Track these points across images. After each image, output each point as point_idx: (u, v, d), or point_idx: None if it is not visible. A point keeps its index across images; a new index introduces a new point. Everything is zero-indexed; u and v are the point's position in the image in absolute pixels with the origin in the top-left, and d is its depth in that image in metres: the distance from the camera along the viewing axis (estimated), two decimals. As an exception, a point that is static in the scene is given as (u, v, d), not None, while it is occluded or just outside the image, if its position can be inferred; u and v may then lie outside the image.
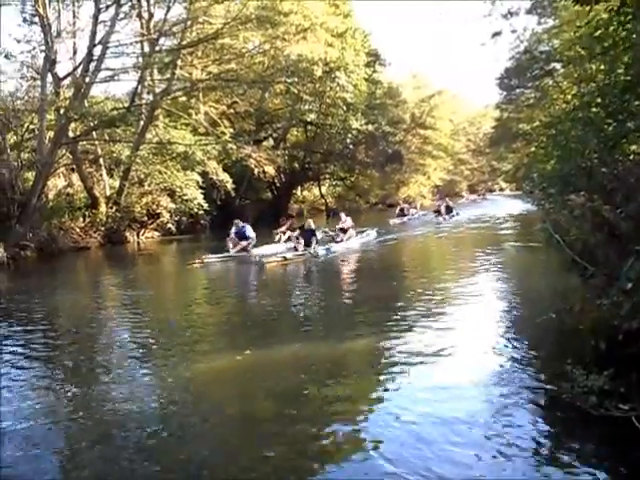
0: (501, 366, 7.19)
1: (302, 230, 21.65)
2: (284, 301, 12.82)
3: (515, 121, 45.57)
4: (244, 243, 21.90)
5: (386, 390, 6.62)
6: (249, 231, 22.39)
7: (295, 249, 20.92)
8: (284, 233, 24.32)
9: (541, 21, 37.13)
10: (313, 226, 21.69)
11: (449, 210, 39.32)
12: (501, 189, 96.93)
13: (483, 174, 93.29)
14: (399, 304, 11.33)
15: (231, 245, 21.79)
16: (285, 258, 19.22)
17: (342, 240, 23.60)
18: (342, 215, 25.82)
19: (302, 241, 21.00)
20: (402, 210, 39.94)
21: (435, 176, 73.32)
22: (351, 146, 47.21)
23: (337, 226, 25.08)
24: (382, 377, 7.11)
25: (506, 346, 7.94)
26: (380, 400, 6.36)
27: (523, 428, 5.39)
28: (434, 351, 7.81)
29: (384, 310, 10.70)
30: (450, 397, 6.29)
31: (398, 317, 9.93)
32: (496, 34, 34.15)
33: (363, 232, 26.31)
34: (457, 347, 7.97)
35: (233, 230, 22.45)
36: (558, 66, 35.28)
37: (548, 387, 6.32)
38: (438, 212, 38.61)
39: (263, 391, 6.89)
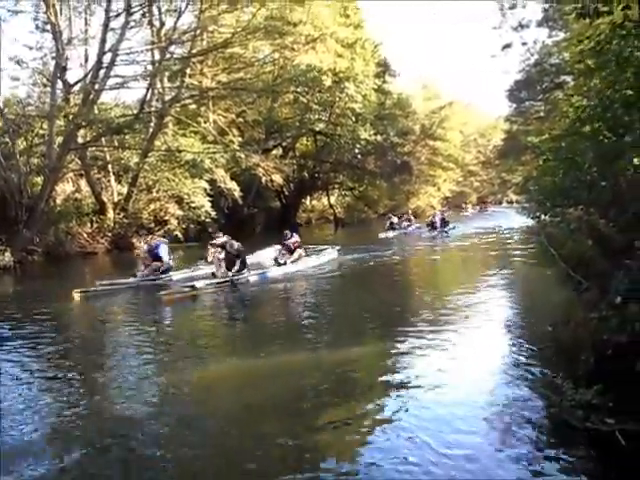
0: (494, 378, 7.18)
1: (225, 250, 17.13)
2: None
3: (524, 134, 45.49)
4: (155, 265, 17.63)
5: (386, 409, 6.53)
6: (163, 252, 17.98)
7: (213, 275, 16.72)
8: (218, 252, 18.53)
9: (552, 34, 37.07)
10: (236, 246, 16.98)
11: (444, 223, 36.34)
12: (510, 201, 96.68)
13: (493, 186, 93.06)
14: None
15: (143, 267, 17.68)
16: (193, 287, 15.02)
17: (285, 263, 19.11)
18: (287, 232, 20.90)
19: (223, 265, 16.80)
20: (391, 223, 37.41)
21: (445, 187, 73.44)
22: (360, 156, 47.04)
23: (285, 241, 20.25)
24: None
25: (500, 359, 7.91)
26: (381, 414, 6.29)
27: (510, 439, 5.40)
28: (428, 365, 7.78)
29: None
30: (444, 405, 6.30)
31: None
32: (506, 46, 34.24)
33: (320, 252, 21.92)
34: (451, 360, 7.95)
35: (145, 248, 19.23)
36: (569, 79, 35.20)
37: (538, 400, 6.31)
38: (432, 225, 35.73)
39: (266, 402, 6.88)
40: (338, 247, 23.04)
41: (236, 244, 17.15)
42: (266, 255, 20.93)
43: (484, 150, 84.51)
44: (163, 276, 17.54)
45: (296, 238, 20.32)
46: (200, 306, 14.17)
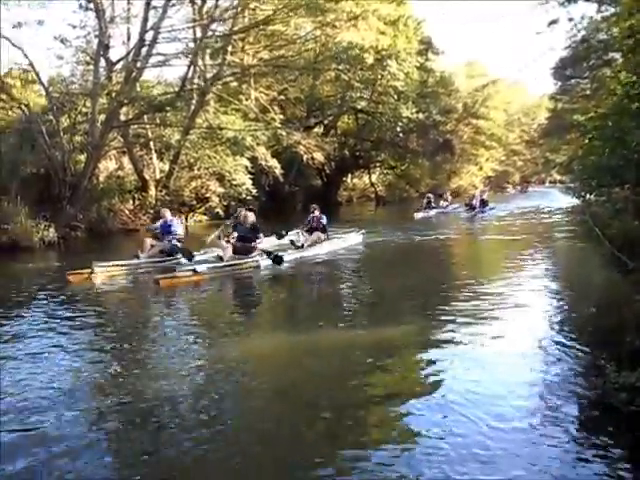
0: (536, 358, 7.08)
1: (237, 223, 16.00)
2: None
3: (569, 112, 44.67)
4: (163, 244, 16.25)
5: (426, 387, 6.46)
6: (177, 227, 16.67)
7: (219, 258, 15.37)
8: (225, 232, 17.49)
9: (601, 9, 36.07)
10: (251, 220, 15.68)
11: (483, 203, 35.72)
12: (554, 181, 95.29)
13: (537, 165, 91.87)
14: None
15: (148, 245, 16.02)
16: (194, 272, 13.68)
17: (302, 246, 17.86)
18: (314, 205, 19.82)
19: (229, 248, 15.24)
20: (429, 202, 36.23)
21: (487, 167, 72.64)
22: (401, 134, 46.71)
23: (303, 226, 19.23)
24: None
25: (543, 339, 7.76)
26: (420, 395, 6.18)
27: (551, 419, 5.32)
28: (470, 344, 7.69)
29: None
30: (486, 383, 6.28)
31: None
32: (553, 22, 33.47)
33: (344, 235, 20.70)
34: (493, 339, 7.86)
35: (159, 223, 16.97)
36: (617, 56, 34.32)
37: (581, 381, 6.20)
38: (470, 205, 35.07)
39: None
40: (363, 230, 21.36)
41: (251, 217, 15.75)
42: (288, 237, 19.25)
43: (528, 129, 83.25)
44: (170, 258, 16.15)
45: (322, 219, 18.87)
46: (213, 289, 13.37)
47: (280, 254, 15.67)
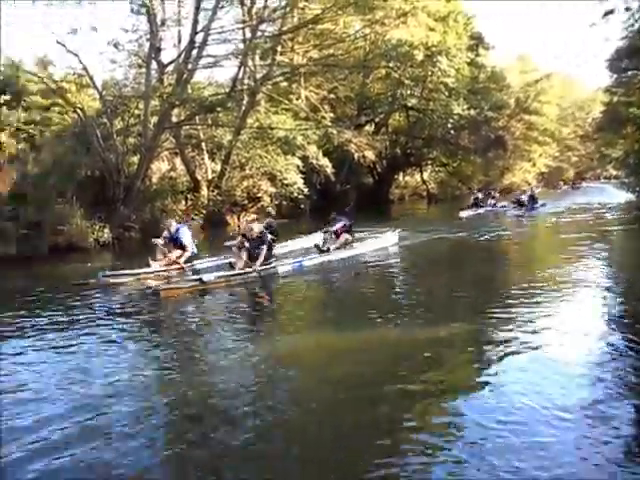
0: (593, 351, 7.01)
1: (245, 238, 14.69)
2: None
3: (626, 105, 43.77)
4: (175, 254, 15.43)
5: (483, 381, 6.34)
6: (185, 236, 15.68)
7: (231, 266, 14.30)
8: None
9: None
10: (257, 230, 14.56)
11: (533, 200, 34.28)
12: (609, 177, 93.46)
13: (592, 161, 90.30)
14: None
15: (159, 255, 15.42)
16: (200, 281, 12.64)
17: (329, 250, 16.53)
18: (334, 215, 18.77)
19: (244, 255, 14.22)
20: (476, 200, 34.94)
21: (540, 163, 71.68)
22: (453, 131, 46.30)
23: (329, 228, 17.99)
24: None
25: (603, 337, 7.59)
26: (476, 390, 6.09)
27: (609, 409, 5.29)
28: (527, 337, 7.60)
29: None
30: (543, 376, 6.22)
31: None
32: (608, 13, 32.76)
33: (377, 236, 19.14)
34: (550, 332, 7.78)
35: (164, 234, 15.80)
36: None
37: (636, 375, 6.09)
38: (518, 203, 33.54)
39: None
40: (399, 230, 19.69)
41: (257, 227, 14.64)
42: (311, 241, 18.35)
43: (582, 123, 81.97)
44: (185, 265, 15.32)
45: (343, 222, 17.72)
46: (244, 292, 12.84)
47: (289, 261, 15.00)
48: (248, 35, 30.69)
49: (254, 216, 30.77)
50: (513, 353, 7.05)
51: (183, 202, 30.37)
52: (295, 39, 34.48)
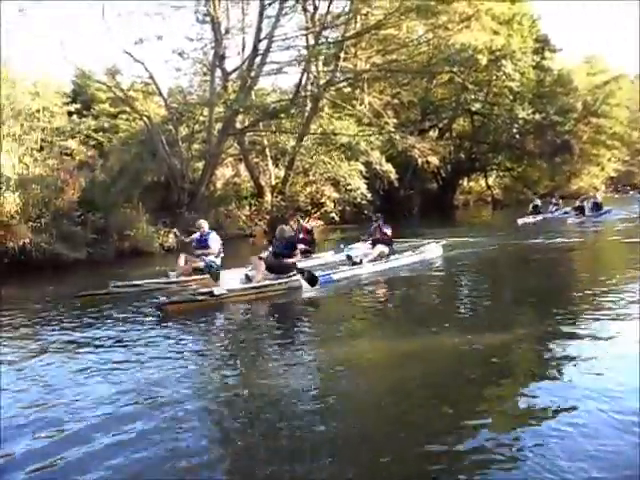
0: None
1: (270, 242, 13.83)
2: None
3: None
4: (202, 262, 14.05)
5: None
6: (214, 242, 14.53)
7: (247, 278, 13.02)
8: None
9: None
10: (288, 233, 13.66)
11: (597, 207, 31.91)
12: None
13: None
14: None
15: (182, 262, 14.22)
16: (211, 295, 11.33)
17: (361, 262, 15.13)
18: (377, 215, 17.82)
19: (262, 266, 12.65)
20: (535, 207, 33.26)
21: (609, 167, 70.11)
22: (518, 136, 45.69)
23: (365, 238, 16.94)
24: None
25: None
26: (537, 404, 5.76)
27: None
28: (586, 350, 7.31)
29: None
30: (604, 392, 5.82)
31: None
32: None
33: (418, 248, 17.59)
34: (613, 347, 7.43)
35: (195, 236, 14.96)
36: None
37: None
38: (580, 209, 31.14)
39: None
40: (443, 242, 18.38)
41: (289, 230, 13.39)
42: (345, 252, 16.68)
43: (654, 126, 80.00)
44: (205, 276, 13.80)
45: (386, 229, 16.23)
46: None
47: (318, 273, 13.13)
48: (311, 41, 30.94)
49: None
50: (574, 362, 6.87)
51: (247, 207, 30.66)
52: (358, 45, 34.52)
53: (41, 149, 25.03)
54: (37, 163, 22.56)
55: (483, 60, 35.01)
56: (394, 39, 34.97)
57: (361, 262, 15.06)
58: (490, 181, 56.46)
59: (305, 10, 31.07)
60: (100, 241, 20.69)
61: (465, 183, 57.63)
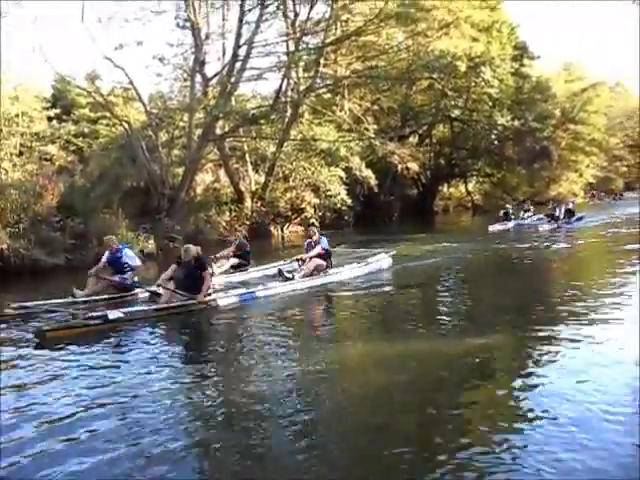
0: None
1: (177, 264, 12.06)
2: None
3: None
4: (114, 279, 12.91)
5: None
6: (130, 258, 13.30)
7: (153, 296, 12.30)
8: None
9: None
10: (193, 252, 11.86)
11: (569, 213, 30.98)
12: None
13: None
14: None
15: (91, 282, 12.66)
16: (105, 320, 9.93)
17: (293, 277, 13.65)
18: (312, 224, 17.05)
19: (171, 285, 11.60)
20: (505, 214, 32.15)
21: (587, 173, 70.54)
22: (497, 142, 46.05)
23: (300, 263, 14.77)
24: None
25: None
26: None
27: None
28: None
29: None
30: (585, 398, 5.84)
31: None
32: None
33: (365, 259, 15.92)
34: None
35: (106, 255, 13.27)
36: None
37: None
38: (552, 216, 30.19)
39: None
40: (393, 252, 16.93)
41: (194, 250, 11.90)
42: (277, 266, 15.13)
43: (632, 133, 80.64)
44: (126, 294, 12.81)
45: (323, 244, 14.53)
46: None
47: (242, 290, 12.46)
48: (291, 48, 31.00)
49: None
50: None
51: (227, 213, 30.67)
52: (338, 51, 34.66)
53: (20, 154, 25.03)
54: (16, 168, 22.57)
55: (462, 67, 35.12)
56: (374, 45, 35.12)
57: (293, 277, 13.66)
58: (470, 187, 56.70)
59: (285, 16, 31.13)
60: (79, 247, 20.54)
61: (445, 189, 57.82)
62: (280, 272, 13.78)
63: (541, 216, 33.17)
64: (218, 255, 16.03)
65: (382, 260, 16.21)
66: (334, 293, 13.17)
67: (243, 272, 15.45)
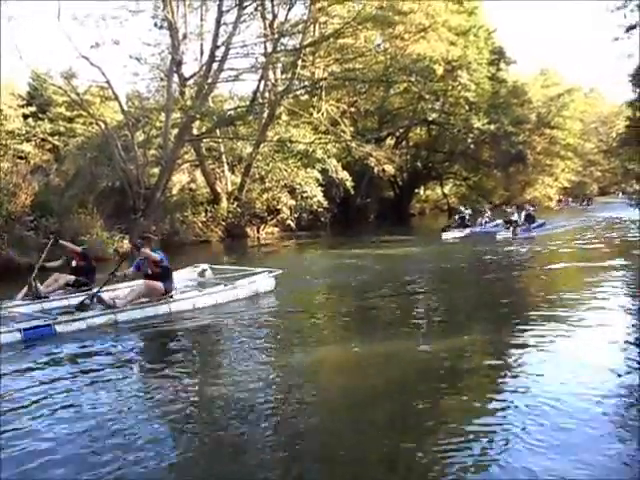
0: (613, 367, 6.79)
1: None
2: None
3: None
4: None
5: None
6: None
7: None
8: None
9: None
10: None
11: (529, 220, 28.45)
12: (631, 192, 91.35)
13: (615, 176, 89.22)
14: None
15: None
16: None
17: (115, 304, 10.44)
18: (142, 236, 12.85)
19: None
20: (462, 219, 30.43)
21: (563, 177, 70.99)
22: (473, 146, 46.43)
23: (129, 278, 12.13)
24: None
25: (611, 355, 7.38)
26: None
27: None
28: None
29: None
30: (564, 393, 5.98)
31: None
32: (631, 28, 32.58)
33: (238, 280, 12.73)
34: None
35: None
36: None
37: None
38: (510, 223, 27.56)
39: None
40: (279, 271, 13.39)
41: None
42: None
43: (606, 138, 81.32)
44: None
45: (160, 258, 11.21)
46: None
47: (40, 322, 9.49)
48: (269, 49, 30.99)
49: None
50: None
51: (203, 214, 30.57)
52: (316, 53, 34.61)
53: (-6, 152, 24.80)
54: (-11, 166, 22.34)
55: (439, 70, 35.35)
56: (352, 48, 35.11)
57: (114, 304, 10.49)
58: (446, 190, 57.08)
59: (264, 17, 31.15)
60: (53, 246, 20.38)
61: (422, 191, 58.22)
62: (99, 298, 10.50)
63: (499, 222, 30.83)
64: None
65: (261, 281, 12.93)
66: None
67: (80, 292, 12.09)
